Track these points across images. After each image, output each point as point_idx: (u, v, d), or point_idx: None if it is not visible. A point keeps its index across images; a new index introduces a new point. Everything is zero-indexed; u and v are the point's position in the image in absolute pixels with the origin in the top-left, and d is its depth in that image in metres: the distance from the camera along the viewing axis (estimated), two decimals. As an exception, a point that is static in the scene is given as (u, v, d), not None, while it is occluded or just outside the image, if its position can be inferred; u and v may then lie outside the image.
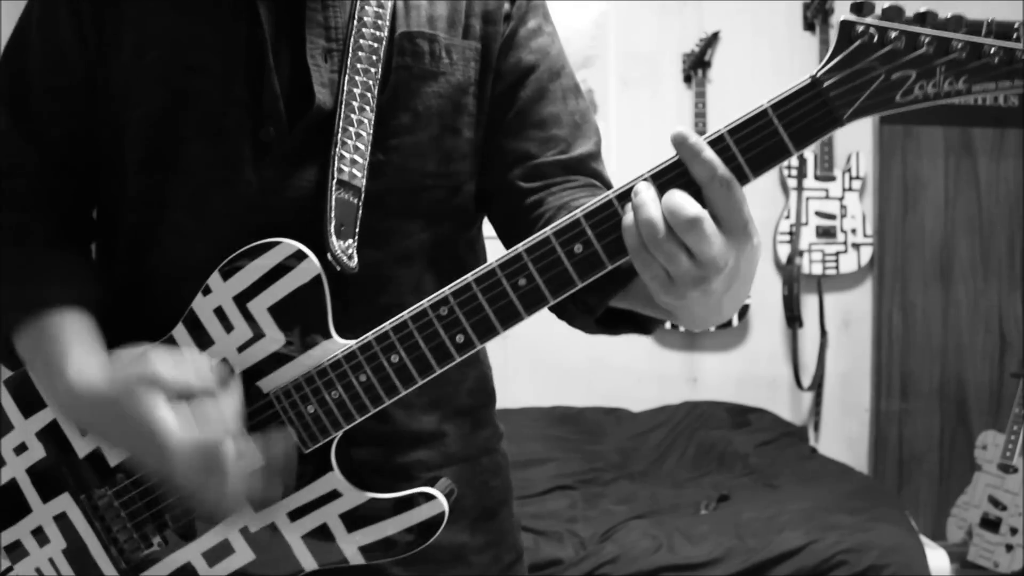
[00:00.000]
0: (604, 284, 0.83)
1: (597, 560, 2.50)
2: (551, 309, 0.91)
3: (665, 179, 0.76)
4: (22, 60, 0.97)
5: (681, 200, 0.73)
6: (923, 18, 0.71)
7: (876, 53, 0.72)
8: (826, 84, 0.73)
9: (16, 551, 0.97)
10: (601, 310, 0.90)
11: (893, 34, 0.72)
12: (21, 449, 0.96)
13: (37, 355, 0.93)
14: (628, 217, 0.75)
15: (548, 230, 0.80)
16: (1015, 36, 0.69)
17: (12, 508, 0.97)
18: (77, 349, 0.91)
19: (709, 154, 0.73)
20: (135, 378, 0.85)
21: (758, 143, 0.75)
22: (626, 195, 0.77)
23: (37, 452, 0.96)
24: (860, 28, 0.72)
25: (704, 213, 0.72)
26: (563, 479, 3.05)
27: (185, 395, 0.85)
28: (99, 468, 0.94)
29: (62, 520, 0.96)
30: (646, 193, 0.75)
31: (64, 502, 0.96)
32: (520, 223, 0.96)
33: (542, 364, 3.59)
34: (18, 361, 0.96)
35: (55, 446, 0.95)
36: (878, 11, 0.73)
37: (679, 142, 0.74)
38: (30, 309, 0.92)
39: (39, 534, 0.97)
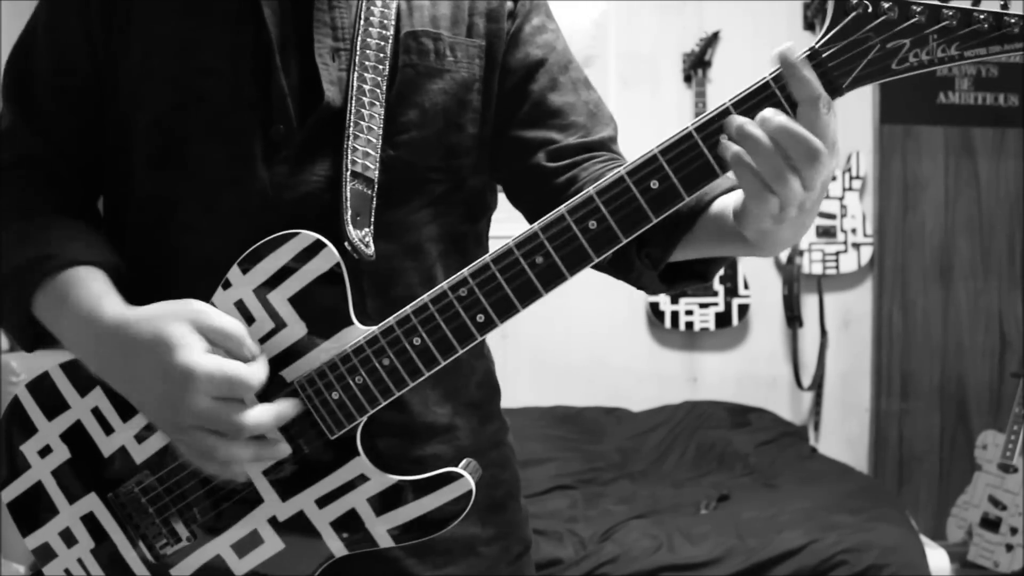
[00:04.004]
0: (667, 234, 0.84)
1: (597, 560, 2.50)
2: (613, 273, 0.93)
3: (749, 105, 0.77)
4: (29, 60, 0.98)
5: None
6: None
7: (871, 24, 0.75)
8: (825, 55, 0.76)
9: (44, 553, 0.98)
10: (665, 260, 0.91)
11: (886, 5, 0.74)
12: (45, 452, 0.97)
13: (65, 300, 0.90)
14: (761, 137, 0.75)
15: (563, 208, 0.83)
16: (1002, 3, 0.72)
17: (38, 510, 0.98)
18: (111, 295, 0.90)
19: (811, 73, 0.75)
20: (176, 311, 0.86)
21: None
22: (706, 125, 0.78)
23: (62, 454, 0.96)
24: (854, 1, 0.75)
25: (826, 96, 0.75)
26: (563, 479, 3.05)
27: (219, 343, 0.85)
28: (125, 466, 0.95)
29: (89, 520, 0.96)
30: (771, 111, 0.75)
31: (91, 502, 0.96)
32: (555, 201, 0.97)
33: (542, 364, 3.59)
34: (32, 337, 0.95)
35: (80, 447, 0.96)
36: None
37: (785, 58, 0.75)
38: (56, 266, 0.91)
39: (67, 535, 0.97)
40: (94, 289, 0.90)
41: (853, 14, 0.75)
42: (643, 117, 3.58)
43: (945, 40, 0.73)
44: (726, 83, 3.58)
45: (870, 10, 0.74)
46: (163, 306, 0.87)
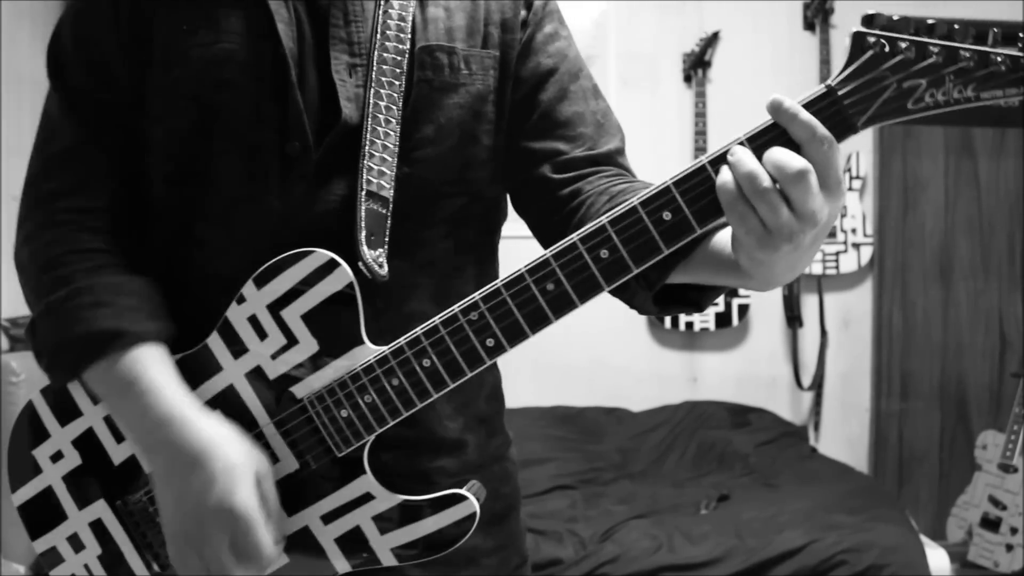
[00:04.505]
0: (666, 257, 0.84)
1: (597, 560, 2.50)
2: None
3: (761, 141, 0.76)
4: (66, 79, 0.96)
5: (787, 154, 0.74)
6: (931, 28, 0.74)
7: (888, 63, 0.75)
8: (841, 92, 0.76)
9: (51, 557, 0.98)
10: (661, 284, 0.90)
11: (903, 44, 0.74)
12: (57, 457, 0.97)
13: (128, 384, 0.90)
14: (726, 174, 0.76)
15: (575, 236, 0.82)
16: (1020, 44, 0.72)
17: (48, 515, 0.98)
18: (174, 387, 0.90)
19: (807, 115, 0.75)
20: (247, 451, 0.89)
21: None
22: (720, 159, 0.77)
23: (73, 460, 0.97)
24: (872, 39, 0.75)
25: (810, 166, 0.74)
26: (563, 479, 3.05)
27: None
28: (134, 474, 0.95)
29: (97, 526, 0.97)
30: (745, 152, 0.76)
31: (99, 508, 0.97)
32: (557, 213, 0.98)
33: (542, 364, 3.59)
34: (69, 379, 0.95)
35: (91, 454, 0.96)
36: (887, 22, 0.75)
37: (776, 108, 0.75)
38: (118, 342, 0.90)
39: (74, 540, 0.98)
40: (158, 374, 0.90)
41: (870, 52, 0.75)
42: (643, 117, 3.58)
43: (962, 81, 0.73)
44: (726, 83, 3.59)
45: (887, 49, 0.74)
46: (228, 431, 0.89)
